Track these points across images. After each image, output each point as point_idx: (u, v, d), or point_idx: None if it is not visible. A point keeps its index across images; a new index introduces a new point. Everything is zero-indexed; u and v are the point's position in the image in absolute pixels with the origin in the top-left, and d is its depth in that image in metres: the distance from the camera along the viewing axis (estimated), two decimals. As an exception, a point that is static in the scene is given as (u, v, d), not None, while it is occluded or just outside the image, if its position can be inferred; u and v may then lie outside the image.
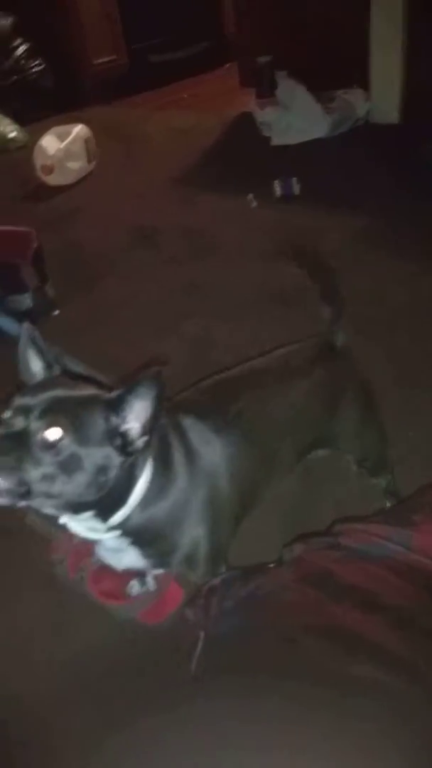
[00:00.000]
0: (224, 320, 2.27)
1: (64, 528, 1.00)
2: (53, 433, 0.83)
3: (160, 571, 1.13)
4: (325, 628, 0.94)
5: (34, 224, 2.58)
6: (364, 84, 3.63)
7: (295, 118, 3.52)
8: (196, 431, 1.07)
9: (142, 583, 1.39)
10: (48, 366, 0.96)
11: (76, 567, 1.40)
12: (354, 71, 3.62)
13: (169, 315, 2.32)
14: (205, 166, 3.49)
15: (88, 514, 0.93)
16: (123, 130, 4.03)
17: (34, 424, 0.84)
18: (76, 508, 0.91)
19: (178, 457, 1.03)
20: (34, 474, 0.83)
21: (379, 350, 1.98)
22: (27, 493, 0.84)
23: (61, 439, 0.84)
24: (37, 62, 4.27)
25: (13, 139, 3.90)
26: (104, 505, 0.93)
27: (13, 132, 3.91)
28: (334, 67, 3.64)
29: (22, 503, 0.85)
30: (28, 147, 3.64)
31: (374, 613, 0.95)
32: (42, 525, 1.47)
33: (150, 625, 1.36)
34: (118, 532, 0.98)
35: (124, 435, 0.89)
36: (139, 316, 2.36)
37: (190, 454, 1.04)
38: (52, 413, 0.85)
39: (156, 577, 1.40)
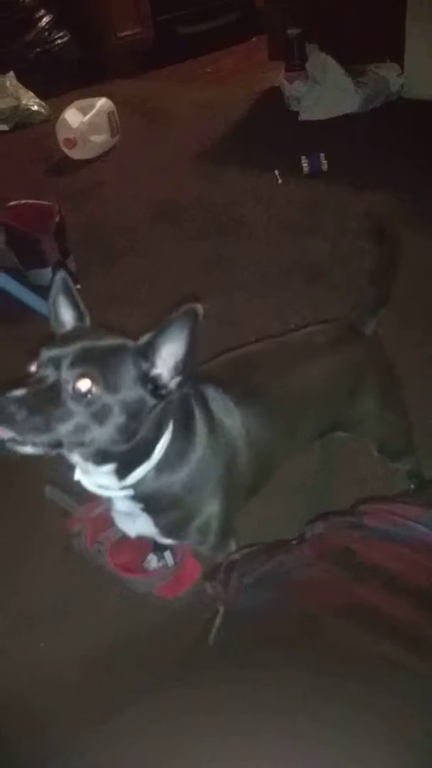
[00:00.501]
0: (247, 297, 2.24)
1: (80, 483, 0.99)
2: (84, 384, 0.83)
3: (172, 542, 1.12)
4: (347, 606, 0.92)
5: (56, 198, 2.56)
6: (398, 57, 3.50)
7: (325, 92, 3.41)
8: (218, 401, 1.06)
9: (160, 557, 1.39)
10: (79, 316, 0.96)
11: (94, 540, 1.40)
12: (388, 44, 3.50)
13: (191, 291, 2.29)
14: (230, 141, 3.42)
15: (109, 467, 0.93)
16: (147, 104, 3.96)
17: (65, 376, 0.84)
18: (103, 457, 0.91)
19: (198, 424, 1.02)
20: (66, 427, 0.83)
21: (410, 331, 1.93)
22: (59, 444, 0.85)
23: (91, 389, 0.83)
24: (61, 34, 4.21)
25: (36, 113, 3.86)
26: (127, 459, 0.93)
27: (35, 105, 3.87)
28: (367, 40, 3.52)
29: (54, 452, 0.86)
30: (51, 120, 3.61)
31: (398, 593, 0.93)
32: (61, 497, 1.48)
33: (167, 599, 1.35)
34: (130, 492, 0.97)
35: (154, 379, 0.88)
36: (160, 291, 2.33)
37: (211, 423, 1.04)
38: (81, 363, 0.84)
39: (174, 553, 1.39)
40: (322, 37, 3.58)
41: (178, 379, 0.89)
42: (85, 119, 3.30)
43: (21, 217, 2.42)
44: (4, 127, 3.82)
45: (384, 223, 1.40)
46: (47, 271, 2.37)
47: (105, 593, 1.39)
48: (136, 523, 1.07)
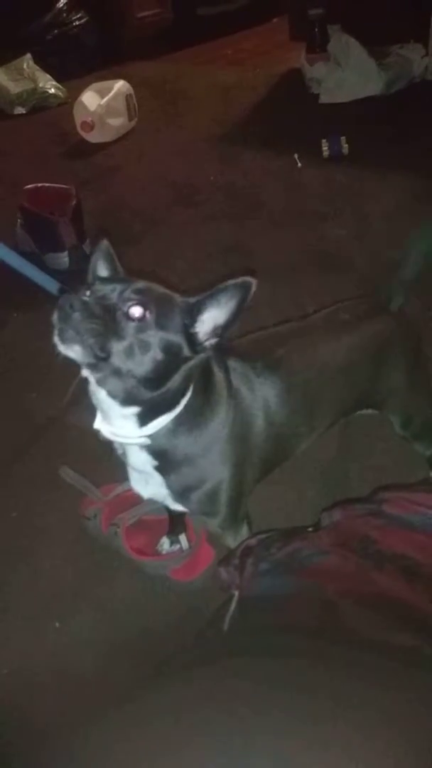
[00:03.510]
0: (264, 281, 2.19)
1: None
2: (137, 310, 0.87)
3: (182, 508, 1.12)
4: (365, 594, 0.90)
5: (73, 181, 2.54)
6: (423, 39, 3.42)
7: (348, 74, 3.34)
8: (239, 371, 1.08)
9: (174, 540, 1.39)
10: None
11: (109, 522, 1.40)
12: (412, 25, 3.41)
13: (209, 275, 2.27)
14: (249, 124, 3.37)
15: (132, 410, 0.94)
16: (165, 86, 3.92)
17: (123, 298, 0.88)
18: (131, 395, 0.92)
19: (218, 389, 1.04)
20: (116, 345, 0.87)
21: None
22: (104, 359, 0.87)
23: (144, 316, 0.87)
24: (78, 15, 4.17)
25: (53, 95, 3.83)
26: (151, 406, 0.94)
27: (52, 88, 3.84)
28: (391, 20, 3.44)
29: (89, 367, 0.88)
30: (68, 103, 3.59)
31: (417, 582, 0.91)
32: (76, 479, 1.48)
33: (181, 582, 1.35)
34: (147, 442, 0.98)
35: (191, 335, 0.92)
36: (178, 275, 2.31)
37: (230, 390, 1.05)
38: (141, 293, 0.89)
39: (188, 536, 1.39)
40: (345, 18, 3.50)
41: (213, 340, 0.93)
42: (102, 102, 3.27)
43: (38, 200, 2.41)
44: (21, 110, 3.80)
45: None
46: (63, 255, 2.36)
47: (120, 576, 1.39)
48: (149, 484, 1.08)
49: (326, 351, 1.18)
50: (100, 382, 0.91)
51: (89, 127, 3.27)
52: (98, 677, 1.19)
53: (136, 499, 1.43)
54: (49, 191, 2.47)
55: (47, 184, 2.49)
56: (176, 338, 0.90)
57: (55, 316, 0.85)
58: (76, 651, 1.28)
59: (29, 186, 2.47)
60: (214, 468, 1.06)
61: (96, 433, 1.00)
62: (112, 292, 0.88)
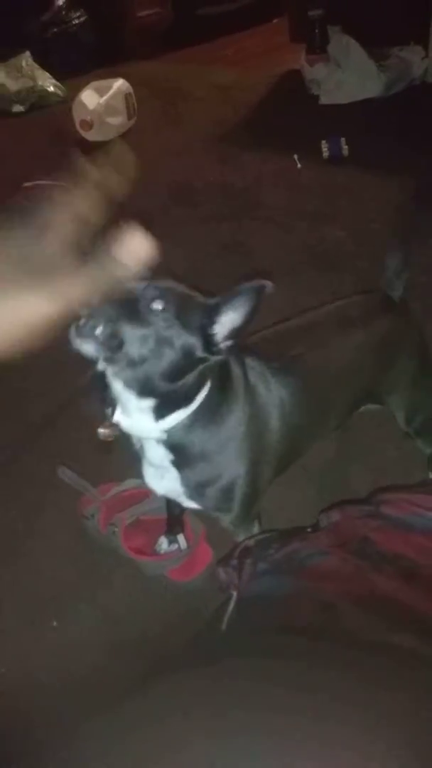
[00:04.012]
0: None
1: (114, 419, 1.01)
2: (159, 304, 0.89)
3: (196, 506, 1.13)
4: (364, 595, 0.90)
5: (71, 180, 2.53)
6: (422, 41, 3.42)
7: (347, 75, 3.35)
8: (256, 370, 1.10)
9: (171, 540, 1.39)
10: None
11: (107, 522, 1.39)
12: (412, 26, 3.42)
13: (207, 276, 2.26)
14: (248, 125, 3.37)
15: (148, 403, 0.96)
16: (164, 85, 3.91)
17: (145, 291, 0.89)
18: (146, 388, 0.94)
19: (235, 387, 1.05)
20: (131, 332, 0.88)
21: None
22: (117, 348, 0.88)
23: (164, 309, 0.89)
24: (78, 14, 4.16)
25: (52, 94, 3.82)
26: (166, 400, 0.96)
27: (51, 86, 3.83)
28: (391, 22, 3.44)
29: (105, 360, 0.89)
30: (67, 102, 3.57)
31: (415, 583, 0.91)
32: (74, 478, 1.47)
33: (179, 582, 1.35)
34: (164, 437, 1.00)
35: (209, 336, 0.94)
36: (176, 276, 2.31)
37: (247, 388, 1.07)
38: (162, 289, 0.90)
39: (186, 536, 1.39)
40: (345, 19, 3.50)
41: (229, 342, 0.94)
42: (101, 101, 3.26)
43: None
44: (19, 108, 3.79)
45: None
46: (62, 254, 2.36)
47: (118, 575, 1.39)
48: (164, 479, 1.09)
49: (338, 349, 1.20)
50: (117, 374, 0.93)
51: (88, 125, 3.26)
52: (96, 677, 1.19)
53: (134, 499, 1.43)
54: (48, 190, 2.46)
55: (45, 182, 2.48)
56: (193, 337, 0.92)
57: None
58: (74, 651, 1.27)
59: (27, 184, 2.46)
60: (230, 464, 1.07)
61: (95, 435, 1.01)
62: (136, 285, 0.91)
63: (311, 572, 0.97)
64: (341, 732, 0.67)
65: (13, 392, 1.87)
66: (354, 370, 1.22)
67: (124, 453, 1.12)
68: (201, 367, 0.96)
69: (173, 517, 1.37)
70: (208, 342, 0.94)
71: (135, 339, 0.88)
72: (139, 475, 1.14)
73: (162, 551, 1.39)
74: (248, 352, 1.11)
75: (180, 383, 0.95)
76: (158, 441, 1.02)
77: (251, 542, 1.08)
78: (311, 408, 1.16)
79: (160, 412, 0.97)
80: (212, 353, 0.95)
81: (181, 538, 1.37)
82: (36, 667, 1.24)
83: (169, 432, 0.99)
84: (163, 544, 1.39)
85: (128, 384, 0.94)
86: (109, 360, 0.90)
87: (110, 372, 0.93)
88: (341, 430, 1.32)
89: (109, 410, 1.00)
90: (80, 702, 1.08)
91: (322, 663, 0.79)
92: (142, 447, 1.07)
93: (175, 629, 1.23)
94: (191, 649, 1.02)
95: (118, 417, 0.99)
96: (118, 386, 0.95)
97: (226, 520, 1.16)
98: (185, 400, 0.98)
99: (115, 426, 1.00)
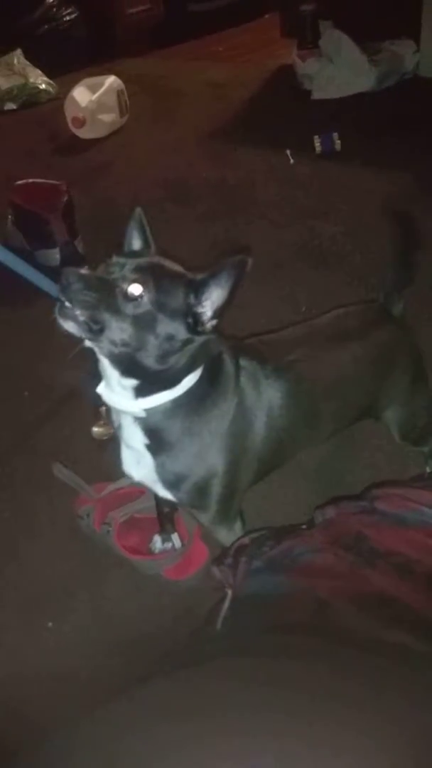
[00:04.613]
0: (257, 280, 2.19)
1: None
2: (137, 288, 0.89)
3: (171, 498, 1.12)
4: (359, 592, 0.90)
5: (64, 178, 2.52)
6: (414, 34, 3.41)
7: (339, 70, 3.33)
8: (248, 370, 1.10)
9: (165, 539, 1.38)
10: (147, 246, 1.04)
11: (102, 520, 1.39)
12: (403, 20, 3.40)
13: (200, 272, 2.26)
14: (241, 121, 3.35)
15: (132, 382, 0.96)
16: (157, 82, 3.89)
17: (123, 276, 0.90)
18: (130, 366, 0.94)
19: (224, 381, 1.05)
20: (109, 318, 0.89)
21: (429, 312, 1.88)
22: (99, 332, 0.90)
23: (141, 296, 0.89)
24: (69, 11, 4.13)
25: (43, 91, 3.79)
26: (151, 380, 0.96)
27: (43, 83, 3.80)
28: (382, 16, 3.43)
29: (88, 339, 0.91)
30: (59, 99, 3.55)
31: (409, 579, 0.91)
32: (69, 476, 1.47)
33: (174, 581, 1.34)
34: (142, 415, 0.99)
35: (196, 315, 0.93)
36: (162, 251, 2.30)
37: (237, 387, 1.07)
38: (141, 272, 0.91)
39: (180, 535, 1.38)
40: (336, 14, 3.50)
41: (214, 321, 0.94)
42: (93, 98, 3.24)
43: (28, 196, 2.39)
44: (11, 106, 3.76)
45: (405, 212, 1.36)
46: (55, 252, 2.34)
47: (113, 575, 1.38)
48: (140, 465, 1.08)
49: (334, 360, 1.18)
50: (102, 352, 0.93)
51: (80, 122, 3.25)
52: (91, 677, 1.18)
53: (129, 497, 1.42)
54: (40, 187, 2.44)
55: (38, 180, 2.46)
56: (175, 320, 0.92)
57: (58, 290, 0.89)
58: (68, 650, 1.27)
59: (20, 182, 2.45)
60: (207, 459, 1.06)
61: (90, 433, 1.01)
62: (119, 267, 0.91)
63: (306, 569, 0.97)
64: (338, 733, 0.67)
65: (8, 390, 1.87)
66: (348, 381, 1.20)
67: (119, 452, 1.11)
68: (189, 349, 0.95)
69: (163, 515, 1.36)
70: (195, 321, 0.93)
71: (114, 326, 0.89)
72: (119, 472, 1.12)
73: (156, 550, 1.38)
74: (243, 352, 1.11)
75: (166, 365, 0.94)
76: (135, 420, 1.01)
77: (246, 540, 1.07)
78: (300, 415, 1.15)
79: (143, 391, 0.97)
80: (197, 333, 0.94)
81: (175, 536, 1.36)
82: (30, 667, 1.23)
83: (149, 412, 0.99)
84: (157, 543, 1.39)
85: (113, 362, 0.94)
86: (93, 340, 0.91)
87: (96, 349, 0.94)
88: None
89: (102, 409, 1.00)
90: (75, 702, 1.08)
91: (317, 662, 0.79)
92: (120, 426, 1.06)
93: (170, 628, 1.23)
94: (186, 649, 1.02)
95: (101, 389, 1.00)
96: (104, 362, 0.96)
97: (203, 518, 1.16)
98: (171, 382, 0.97)
99: (110, 425, 1.00)
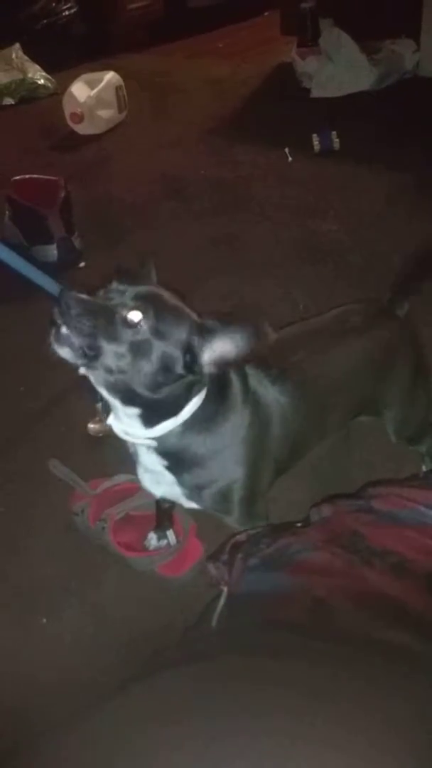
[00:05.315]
0: (254, 277, 2.20)
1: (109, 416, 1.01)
2: (136, 315, 0.88)
3: (196, 506, 1.13)
4: (355, 590, 0.90)
5: (62, 174, 2.51)
6: (414, 34, 3.41)
7: (339, 69, 3.33)
8: (256, 376, 1.09)
9: (161, 536, 1.38)
10: (147, 275, 1.02)
11: (97, 517, 1.38)
12: (404, 20, 3.40)
13: (197, 270, 2.25)
14: (239, 118, 3.35)
15: (134, 411, 0.95)
16: (155, 78, 3.88)
17: (123, 303, 0.89)
18: (128, 396, 0.93)
19: (233, 394, 1.05)
20: (105, 344, 0.88)
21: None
22: (94, 359, 0.89)
23: (141, 323, 0.88)
24: (68, 6, 4.12)
25: (42, 86, 3.78)
26: (152, 409, 0.95)
27: (42, 79, 3.79)
28: (383, 15, 3.43)
29: (85, 367, 0.91)
30: (57, 94, 3.54)
31: (406, 578, 0.91)
32: (65, 473, 1.46)
33: (169, 578, 1.34)
34: (153, 444, 0.99)
35: (194, 356, 0.92)
36: (166, 270, 2.29)
37: (246, 395, 1.07)
38: (142, 299, 0.90)
39: (175, 532, 1.38)
40: (337, 12, 3.49)
41: (213, 368, 0.93)
42: (92, 93, 3.23)
43: (26, 192, 2.38)
44: (9, 101, 3.75)
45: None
46: (52, 248, 2.33)
47: (108, 571, 1.38)
48: (161, 484, 1.09)
49: (337, 357, 1.19)
50: (96, 380, 0.93)
51: (79, 118, 3.24)
52: (85, 673, 1.18)
53: (125, 494, 1.42)
54: (38, 183, 2.43)
55: (36, 176, 2.45)
56: (172, 352, 0.90)
57: (54, 313, 0.87)
58: (63, 647, 1.26)
59: (17, 177, 2.44)
60: (227, 469, 1.07)
61: (86, 430, 1.01)
62: (119, 294, 0.90)
63: (302, 567, 0.97)
64: (336, 732, 0.67)
65: (4, 386, 1.86)
66: (352, 378, 1.21)
67: (115, 448, 1.11)
68: (185, 381, 0.94)
69: (162, 512, 1.36)
70: (192, 360, 0.92)
71: (110, 353, 0.88)
72: (129, 470, 1.13)
73: (151, 547, 1.38)
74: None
75: (163, 394, 0.93)
76: (149, 448, 1.01)
77: (242, 537, 1.07)
78: (310, 414, 1.16)
79: (149, 420, 0.97)
80: (192, 373, 0.93)
81: (170, 533, 1.36)
82: (25, 663, 1.23)
83: (159, 440, 0.99)
84: (152, 539, 1.38)
85: (109, 391, 0.93)
86: (88, 367, 0.90)
87: (91, 377, 0.93)
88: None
89: (99, 405, 0.99)
90: (70, 699, 1.08)
91: (314, 661, 0.78)
92: (135, 451, 1.07)
93: (166, 625, 1.23)
94: (181, 646, 1.01)
95: (111, 420, 1.00)
96: (102, 391, 0.94)
97: (228, 520, 1.16)
98: (172, 410, 0.97)
99: (105, 423, 1.00)
